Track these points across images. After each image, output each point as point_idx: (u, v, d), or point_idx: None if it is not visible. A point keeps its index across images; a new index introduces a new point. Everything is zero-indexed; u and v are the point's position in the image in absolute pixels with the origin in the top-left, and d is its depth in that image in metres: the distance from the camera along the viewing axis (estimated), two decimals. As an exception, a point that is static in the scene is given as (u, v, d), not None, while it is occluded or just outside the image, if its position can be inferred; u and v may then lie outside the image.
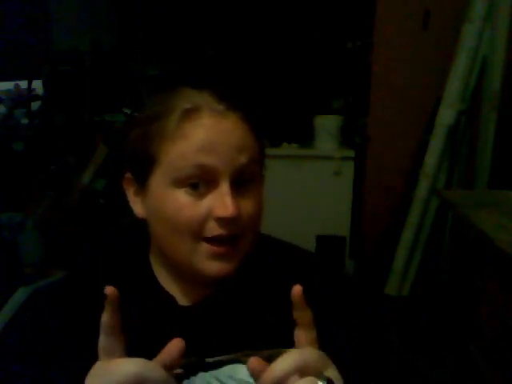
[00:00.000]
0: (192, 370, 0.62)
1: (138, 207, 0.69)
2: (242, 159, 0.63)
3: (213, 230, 0.63)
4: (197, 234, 0.63)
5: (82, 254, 0.83)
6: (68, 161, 2.53)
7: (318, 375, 0.53)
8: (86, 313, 0.66)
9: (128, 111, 2.69)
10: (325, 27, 3.24)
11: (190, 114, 0.63)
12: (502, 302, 1.49)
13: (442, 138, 2.72)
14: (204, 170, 0.62)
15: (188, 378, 0.63)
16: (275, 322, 0.67)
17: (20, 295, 2.01)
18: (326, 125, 2.95)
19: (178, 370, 0.59)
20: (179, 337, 0.60)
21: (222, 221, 0.62)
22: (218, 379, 0.64)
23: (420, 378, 2.16)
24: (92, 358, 0.61)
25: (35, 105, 2.69)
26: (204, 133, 0.62)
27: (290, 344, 0.63)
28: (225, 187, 0.62)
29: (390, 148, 2.97)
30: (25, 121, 2.60)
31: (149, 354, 0.58)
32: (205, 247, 0.63)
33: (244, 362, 0.62)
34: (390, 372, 0.80)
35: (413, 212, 2.81)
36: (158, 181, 0.64)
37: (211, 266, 0.64)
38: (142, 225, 0.70)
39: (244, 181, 0.64)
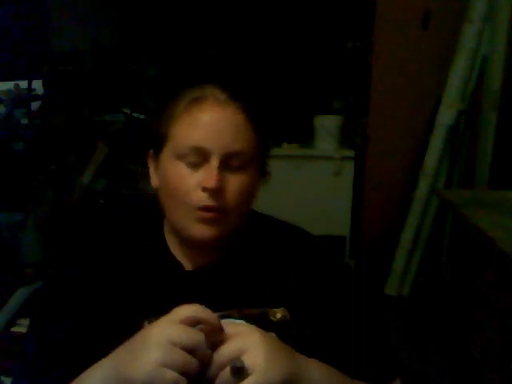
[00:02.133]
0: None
1: (154, 178, 0.80)
2: (235, 146, 0.73)
3: (201, 200, 0.73)
4: (189, 202, 0.73)
5: (98, 219, 0.97)
6: (68, 161, 2.53)
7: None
8: (100, 279, 0.78)
9: (128, 111, 2.69)
10: (325, 27, 3.24)
11: (197, 101, 0.74)
12: (502, 302, 1.49)
13: (441, 138, 2.72)
14: (200, 148, 0.72)
15: None
16: (267, 286, 0.78)
17: (20, 295, 2.01)
18: (326, 125, 2.95)
19: None
20: (182, 297, 0.71)
21: (207, 191, 0.72)
22: None
23: (420, 378, 2.16)
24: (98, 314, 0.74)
25: (35, 105, 2.69)
26: (205, 116, 0.73)
27: (279, 304, 0.76)
28: (214, 163, 0.72)
29: (390, 148, 2.97)
30: (25, 121, 2.60)
31: (156, 312, 0.68)
32: (195, 213, 0.73)
33: (235, 318, 0.73)
34: (389, 372, 0.82)
35: (413, 212, 2.81)
36: (166, 155, 0.76)
37: (200, 229, 0.74)
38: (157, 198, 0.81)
39: (235, 164, 0.74)
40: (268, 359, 0.61)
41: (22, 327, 1.87)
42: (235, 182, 0.74)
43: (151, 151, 0.81)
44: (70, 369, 0.69)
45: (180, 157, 0.74)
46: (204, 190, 0.72)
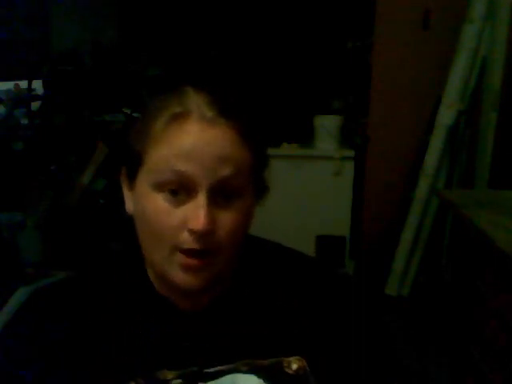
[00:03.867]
0: (191, 380, 0.62)
1: (128, 202, 0.68)
2: (225, 171, 0.60)
3: (186, 242, 0.60)
4: (171, 243, 0.61)
5: (82, 260, 0.83)
6: (68, 161, 2.53)
7: None
8: (84, 318, 0.66)
9: (128, 111, 2.69)
10: (325, 27, 3.24)
11: (178, 118, 0.62)
12: (502, 302, 1.49)
13: (442, 138, 2.72)
14: (183, 178, 0.60)
15: None
16: (275, 329, 0.67)
17: (20, 295, 2.00)
18: (326, 125, 2.95)
19: (177, 381, 0.60)
20: (180, 343, 0.64)
21: (194, 233, 0.60)
22: None
23: (419, 379, 2.16)
24: (91, 362, 0.64)
25: (35, 105, 2.69)
26: (188, 139, 0.60)
27: (290, 352, 0.66)
28: (201, 198, 0.60)
29: (390, 148, 2.97)
30: (25, 121, 2.60)
31: (152, 361, 0.62)
32: (178, 257, 0.61)
33: (244, 372, 0.62)
34: (389, 372, 0.80)
35: (413, 212, 2.81)
36: (142, 181, 0.63)
37: (183, 277, 0.62)
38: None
39: (227, 193, 0.62)
40: None
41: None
42: (229, 218, 0.61)
43: (124, 169, 0.68)
44: None
45: (159, 187, 0.61)
46: (191, 232, 0.60)
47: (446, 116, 2.69)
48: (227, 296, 0.69)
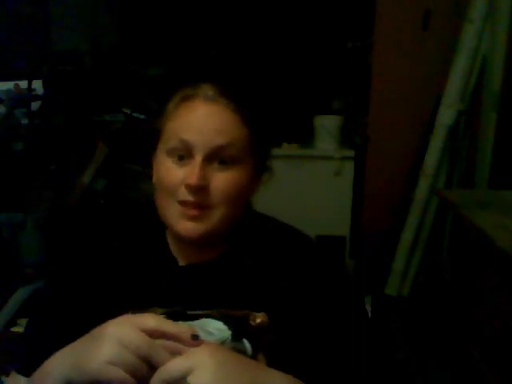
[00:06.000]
0: (174, 318, 0.71)
1: (154, 175, 0.82)
2: (220, 141, 0.74)
3: (183, 194, 0.74)
4: (173, 196, 0.75)
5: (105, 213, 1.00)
6: (68, 161, 2.53)
7: None
8: (100, 273, 0.81)
9: (128, 111, 2.69)
10: (325, 27, 3.24)
11: (187, 98, 0.78)
12: (503, 302, 1.49)
13: (442, 138, 2.72)
14: (186, 145, 0.74)
15: None
16: (258, 288, 0.78)
17: (20, 295, 2.01)
18: (326, 125, 2.95)
19: (162, 316, 0.69)
20: (173, 291, 0.77)
21: (188, 187, 0.73)
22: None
23: (419, 379, 2.16)
24: (102, 299, 0.78)
25: (35, 105, 2.69)
26: (192, 114, 0.76)
27: (265, 308, 0.76)
28: (197, 160, 0.73)
29: (390, 148, 2.96)
30: (25, 121, 2.60)
31: (148, 302, 0.75)
32: (178, 208, 0.75)
33: (216, 318, 0.74)
34: (389, 372, 0.82)
35: (413, 212, 2.81)
36: (160, 151, 0.79)
37: (183, 225, 0.75)
38: None
39: (223, 160, 0.75)
40: (216, 379, 0.58)
41: (21, 327, 1.87)
42: (222, 179, 0.74)
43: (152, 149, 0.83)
44: None
45: (169, 152, 0.76)
46: (186, 186, 0.73)
47: (446, 116, 2.69)
48: (220, 257, 0.81)
